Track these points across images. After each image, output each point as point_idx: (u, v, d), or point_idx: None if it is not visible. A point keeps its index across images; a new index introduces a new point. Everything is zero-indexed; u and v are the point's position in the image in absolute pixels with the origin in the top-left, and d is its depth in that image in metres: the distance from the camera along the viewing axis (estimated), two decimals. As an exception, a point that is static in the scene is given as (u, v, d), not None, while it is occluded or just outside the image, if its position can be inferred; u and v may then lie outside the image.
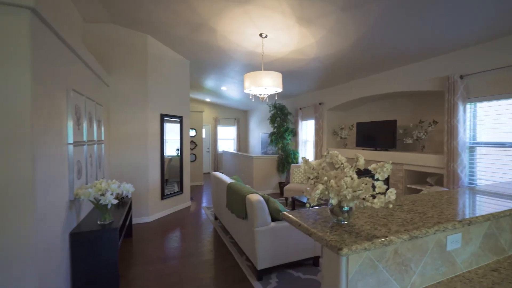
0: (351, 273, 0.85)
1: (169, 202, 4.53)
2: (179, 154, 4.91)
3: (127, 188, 2.42)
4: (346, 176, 0.97)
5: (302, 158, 1.12)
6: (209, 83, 6.56)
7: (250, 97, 3.60)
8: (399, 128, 4.14)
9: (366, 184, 0.94)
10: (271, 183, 6.28)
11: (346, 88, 4.98)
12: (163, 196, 4.36)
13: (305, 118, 6.29)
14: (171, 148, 4.74)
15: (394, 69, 4.00)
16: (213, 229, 3.81)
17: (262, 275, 2.43)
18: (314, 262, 2.68)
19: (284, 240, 2.48)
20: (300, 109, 6.31)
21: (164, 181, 4.37)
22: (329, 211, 1.07)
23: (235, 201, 2.85)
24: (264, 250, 2.39)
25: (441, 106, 3.52)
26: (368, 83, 4.49)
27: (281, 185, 6.08)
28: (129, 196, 2.50)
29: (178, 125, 4.81)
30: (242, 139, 10.12)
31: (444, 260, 1.06)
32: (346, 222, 1.03)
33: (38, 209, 1.59)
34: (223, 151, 8.74)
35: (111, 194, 2.22)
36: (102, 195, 2.22)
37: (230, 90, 7.09)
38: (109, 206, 2.22)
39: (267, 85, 3.20)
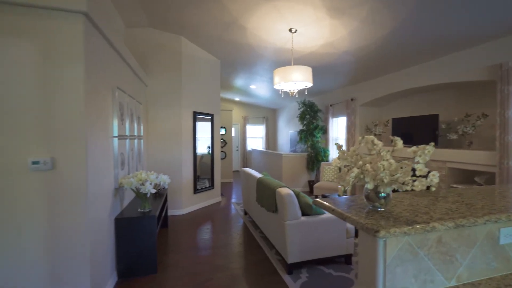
0: (389, 258, 0.82)
1: (201, 197, 4.72)
2: (210, 151, 5.08)
3: (164, 179, 2.57)
4: (384, 160, 0.94)
5: (336, 144, 1.11)
6: (239, 82, 6.69)
7: (280, 92, 3.60)
8: (441, 123, 3.82)
9: (404, 167, 0.89)
10: (301, 181, 6.20)
11: (381, 81, 4.73)
12: (196, 190, 4.55)
13: (336, 115, 6.10)
14: (202, 146, 4.92)
15: (436, 59, 3.71)
16: (243, 223, 3.88)
17: (292, 269, 2.42)
18: (346, 260, 2.59)
19: (315, 235, 2.44)
20: (331, 105, 6.14)
21: (196, 176, 4.56)
22: (364, 198, 1.04)
23: (265, 195, 2.88)
24: (295, 244, 2.38)
25: (492, 98, 3.18)
26: (405, 75, 4.22)
27: (311, 183, 5.97)
28: (166, 187, 2.66)
29: (208, 123, 4.98)
30: (271, 138, 10.14)
31: (496, 254, 0.97)
32: (383, 209, 0.99)
33: (89, 194, 1.77)
34: (252, 149, 8.83)
35: (150, 184, 2.38)
36: (142, 184, 2.39)
37: (259, 89, 7.15)
38: (148, 195, 2.39)
39: (297, 79, 3.17)
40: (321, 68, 4.64)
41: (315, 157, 5.99)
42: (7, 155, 1.58)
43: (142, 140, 3.54)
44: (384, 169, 0.89)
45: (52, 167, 1.65)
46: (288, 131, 8.92)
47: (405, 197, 1.19)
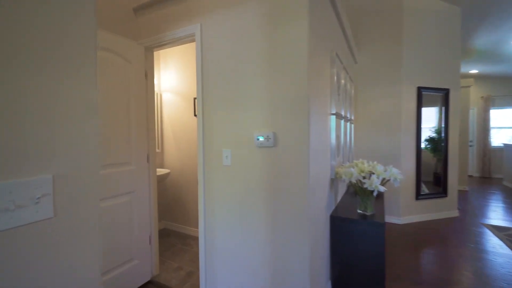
0: None
1: (426, 205, 3.41)
2: (433, 144, 3.57)
3: (395, 174, 1.78)
4: None
5: None
6: (486, 40, 4.34)
7: None
8: None
9: None
10: None
11: None
12: (419, 195, 3.32)
13: None
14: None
15: None
16: (525, 268, 2.19)
17: None
18: None
19: None
20: None
21: (420, 177, 3.32)
22: None
23: None
24: None
25: None
26: None
27: None
28: (397, 185, 1.87)
29: (432, 109, 3.50)
30: (546, 128, 6.07)
31: None
32: None
33: (310, 180, 1.38)
34: (504, 145, 5.69)
35: (377, 178, 1.70)
36: (364, 178, 1.76)
37: (532, 43, 4.28)
38: (375, 193, 1.71)
39: None
40: None
41: None
42: (242, 129, 1.53)
43: (352, 125, 2.97)
44: None
45: (274, 144, 1.41)
46: None
47: None
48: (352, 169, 1.78)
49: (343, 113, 2.23)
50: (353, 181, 1.79)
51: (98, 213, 0.70)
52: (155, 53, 2.95)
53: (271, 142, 1.40)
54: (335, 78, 1.94)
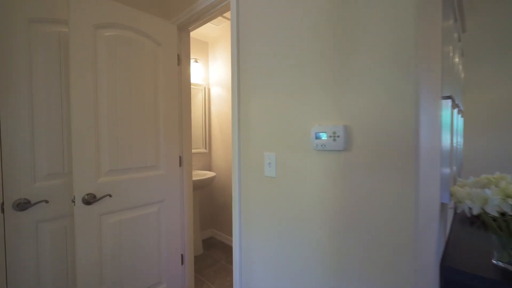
0: None
1: None
2: None
3: None
4: None
5: None
6: None
7: None
8: None
9: None
10: None
11: None
12: None
13: None
14: None
15: None
16: None
17: None
18: None
19: None
20: None
21: None
22: None
23: None
24: None
25: None
26: None
27: None
28: None
29: None
30: None
31: None
32: None
33: (420, 208, 0.75)
34: None
35: (549, 213, 0.90)
36: (514, 207, 0.98)
37: None
38: (545, 241, 0.92)
39: None
40: None
41: None
42: (292, 120, 1.01)
43: (462, 119, 2.05)
44: None
45: (345, 146, 0.83)
46: None
47: None
48: (487, 191, 1.03)
49: (456, 100, 1.44)
50: (490, 212, 1.02)
51: None
52: (203, 44, 2.69)
53: (340, 142, 0.83)
54: (451, 39, 1.19)
